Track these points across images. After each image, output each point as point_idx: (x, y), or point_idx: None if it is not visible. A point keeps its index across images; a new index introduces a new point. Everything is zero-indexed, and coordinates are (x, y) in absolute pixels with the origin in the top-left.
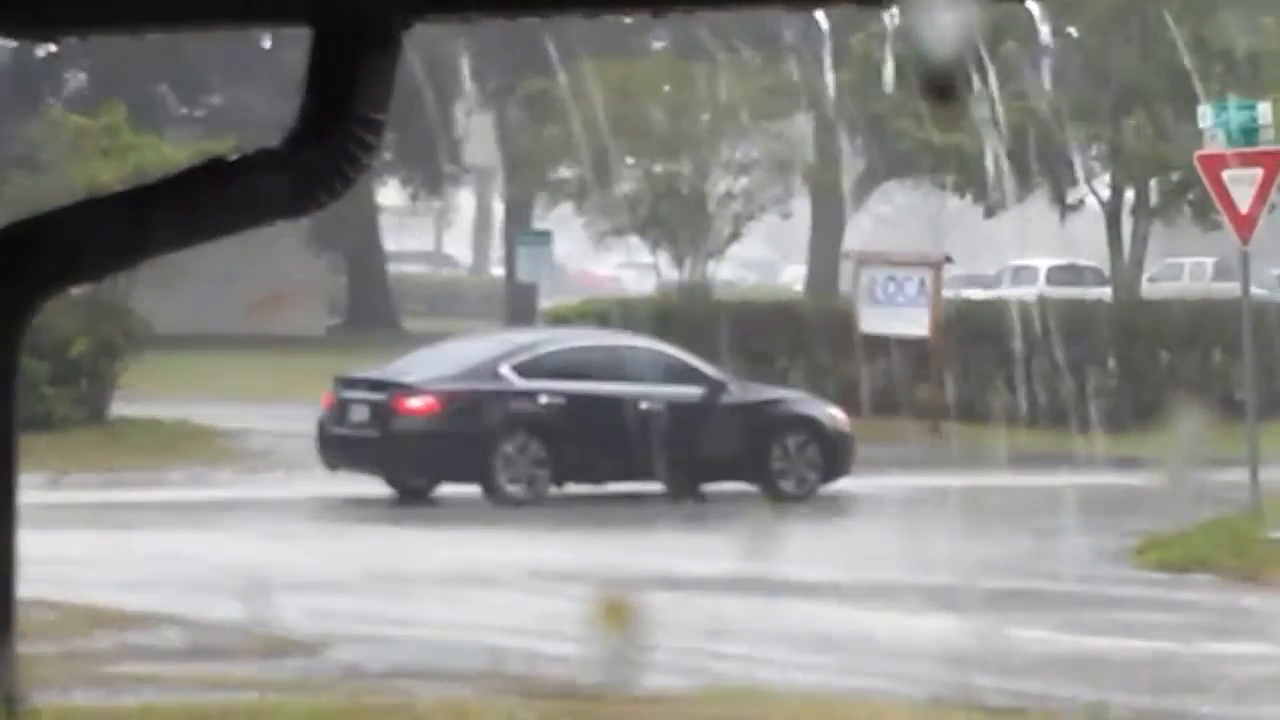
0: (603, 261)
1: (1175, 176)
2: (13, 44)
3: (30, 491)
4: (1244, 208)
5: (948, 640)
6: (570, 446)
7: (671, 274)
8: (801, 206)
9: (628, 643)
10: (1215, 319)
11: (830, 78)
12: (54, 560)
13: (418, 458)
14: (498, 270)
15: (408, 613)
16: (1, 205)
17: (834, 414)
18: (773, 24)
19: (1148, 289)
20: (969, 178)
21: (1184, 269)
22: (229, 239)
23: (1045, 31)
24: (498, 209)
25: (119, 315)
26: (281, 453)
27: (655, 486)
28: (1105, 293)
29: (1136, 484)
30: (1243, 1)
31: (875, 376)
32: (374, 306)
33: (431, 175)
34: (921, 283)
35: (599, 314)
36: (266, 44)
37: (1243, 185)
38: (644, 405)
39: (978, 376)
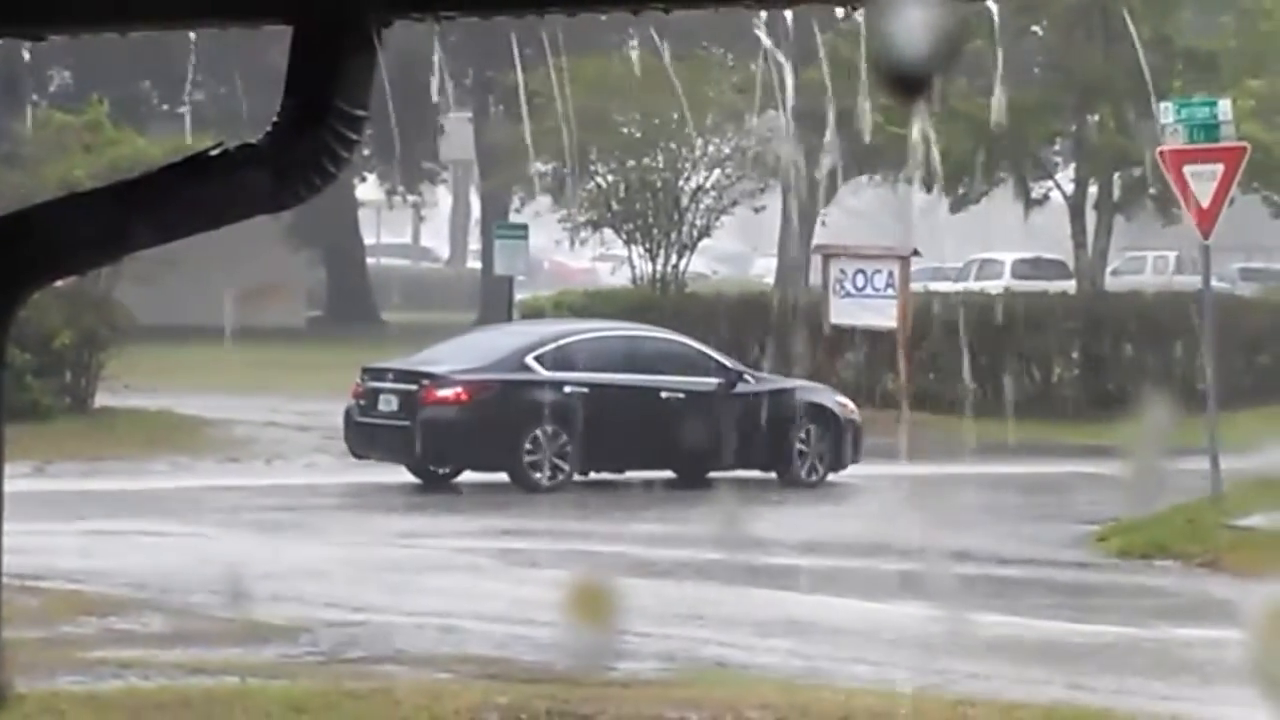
0: (577, 255)
1: (1137, 172)
2: None
3: (15, 481)
4: (1205, 202)
5: (912, 625)
6: (594, 435)
7: (645, 267)
8: (772, 201)
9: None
10: (1177, 311)
11: (800, 74)
12: (38, 548)
13: (447, 446)
14: (474, 263)
15: (385, 599)
16: None
17: (844, 403)
18: (744, 22)
19: (1111, 282)
20: (936, 172)
21: (1147, 262)
22: (210, 233)
23: (1010, 29)
24: (475, 203)
25: (102, 308)
26: (263, 442)
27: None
28: (1069, 285)
29: (1099, 472)
30: (1203, 0)
31: (844, 367)
32: (353, 299)
33: (409, 170)
34: (889, 275)
35: (573, 306)
36: (247, 41)
37: (1203, 180)
38: (664, 395)
39: (944, 367)
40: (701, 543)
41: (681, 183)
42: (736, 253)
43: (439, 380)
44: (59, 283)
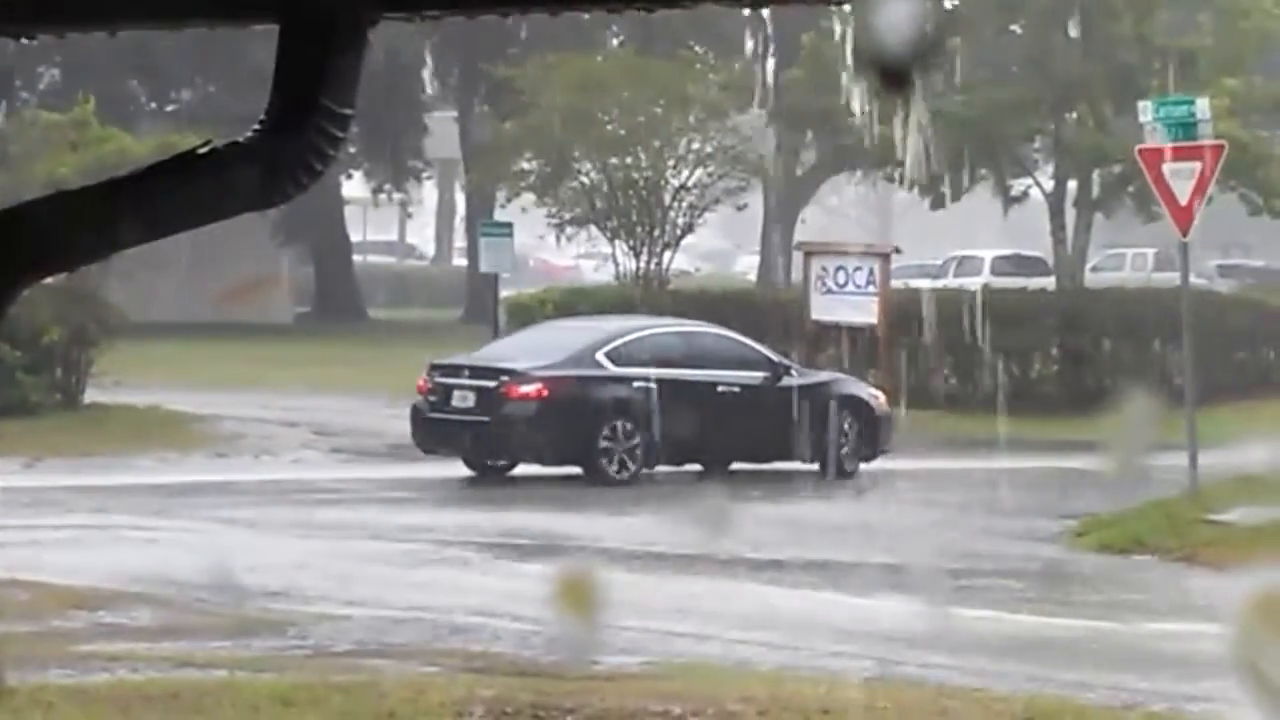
0: (562, 252)
1: (1116, 169)
2: None
3: (5, 476)
4: (1183, 200)
5: (892, 619)
6: (661, 429)
7: (628, 264)
8: (755, 198)
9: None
10: (1156, 308)
11: (782, 74)
12: (28, 543)
13: (527, 441)
14: (460, 261)
15: (370, 593)
16: None
17: (876, 395)
18: (727, 21)
19: (1090, 279)
20: (916, 170)
21: (1126, 259)
22: (199, 230)
23: (989, 27)
24: (460, 201)
25: (92, 304)
26: (251, 437)
27: (745, 466)
28: (1049, 282)
29: (1078, 467)
30: None
31: (825, 363)
32: (340, 296)
33: (395, 168)
34: (870, 272)
35: (558, 303)
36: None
37: (1182, 178)
38: (720, 389)
39: (924, 363)
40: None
41: (665, 180)
42: (719, 250)
43: (520, 376)
44: (49, 279)
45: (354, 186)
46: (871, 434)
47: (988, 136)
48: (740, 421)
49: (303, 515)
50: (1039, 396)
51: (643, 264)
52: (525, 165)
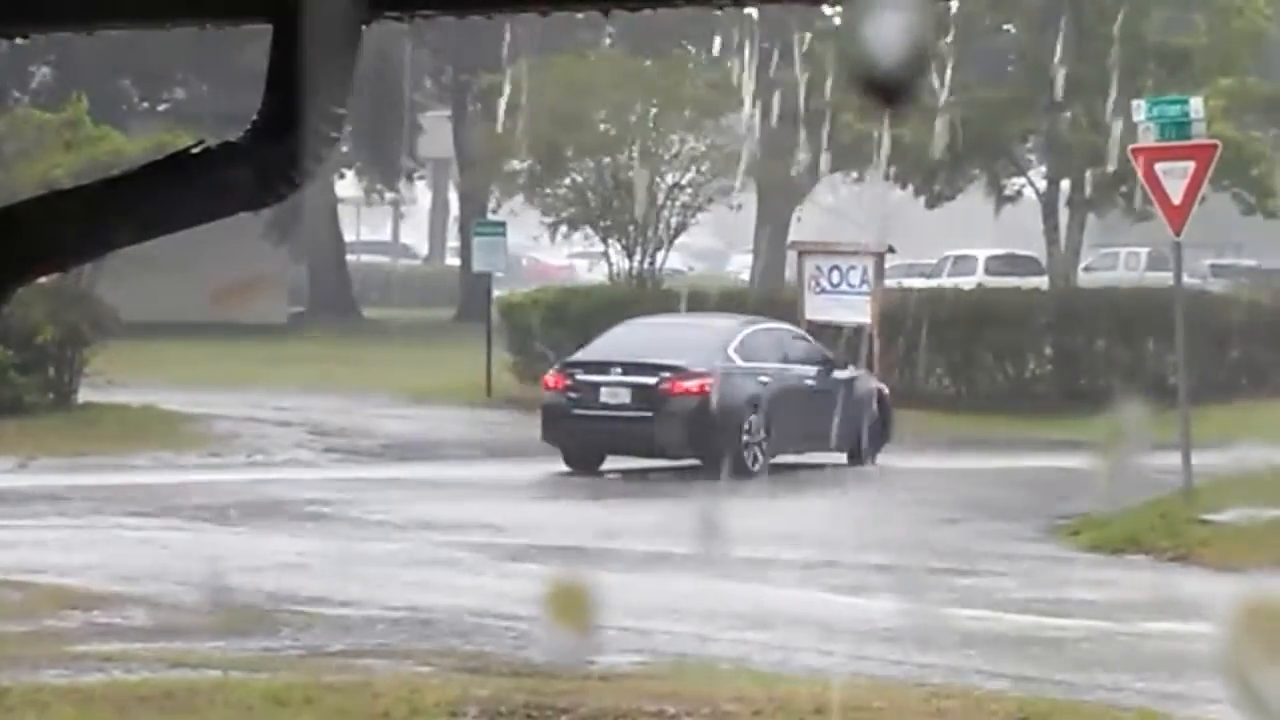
0: (555, 252)
1: (1110, 169)
2: None
3: None
4: (1176, 200)
5: (886, 618)
6: (780, 421)
7: (622, 263)
8: (749, 198)
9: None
10: (1149, 307)
11: (776, 73)
12: (22, 542)
13: (688, 436)
14: (453, 260)
15: (364, 592)
16: None
17: (884, 389)
18: (720, 21)
19: (1083, 278)
20: (910, 170)
21: (1119, 259)
22: (192, 230)
23: (983, 27)
24: (453, 200)
25: (86, 304)
26: (245, 437)
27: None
28: (1042, 282)
29: (1071, 466)
30: None
31: None
32: (334, 295)
33: (388, 167)
34: (864, 272)
35: (551, 303)
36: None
37: (1175, 178)
38: (808, 382)
39: (918, 363)
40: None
41: (658, 180)
42: (713, 249)
43: (681, 372)
44: (42, 279)
45: (347, 186)
46: (885, 425)
47: (981, 136)
48: (826, 413)
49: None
50: (1032, 396)
51: (636, 264)
52: (518, 165)
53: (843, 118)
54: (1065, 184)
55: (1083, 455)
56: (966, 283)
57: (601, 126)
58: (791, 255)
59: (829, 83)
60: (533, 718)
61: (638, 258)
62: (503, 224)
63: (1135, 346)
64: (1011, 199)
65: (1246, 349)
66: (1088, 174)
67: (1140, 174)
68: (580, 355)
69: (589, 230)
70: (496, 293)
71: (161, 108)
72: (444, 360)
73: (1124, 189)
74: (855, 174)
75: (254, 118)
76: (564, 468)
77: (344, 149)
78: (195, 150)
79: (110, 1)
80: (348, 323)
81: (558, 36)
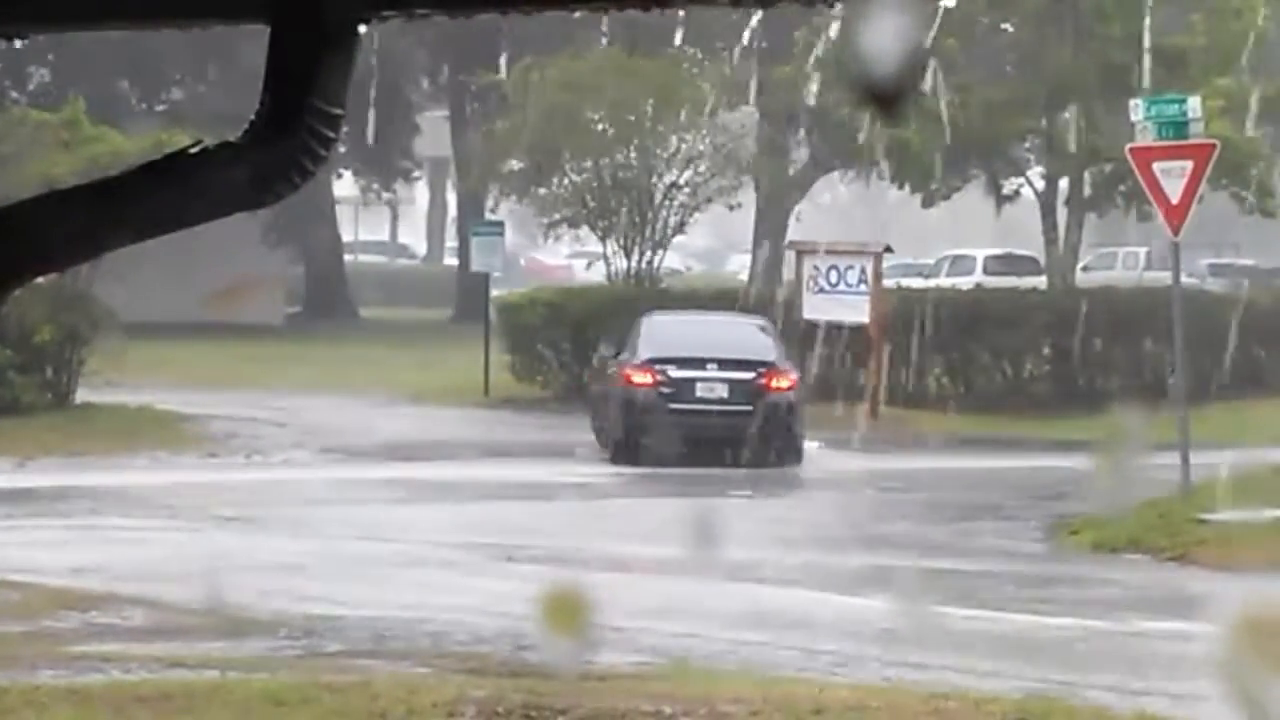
0: (553, 251)
1: (1108, 168)
2: None
3: None
4: (1174, 199)
5: (884, 619)
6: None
7: (620, 263)
8: (746, 197)
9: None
10: (1147, 307)
11: (774, 73)
12: (20, 542)
13: (783, 429)
14: (451, 260)
15: (361, 593)
16: None
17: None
18: (718, 20)
19: (1082, 278)
20: (908, 169)
21: (1117, 258)
22: (190, 230)
23: (981, 27)
24: (451, 200)
25: (84, 304)
26: (243, 437)
27: None
28: (1040, 281)
29: (1070, 467)
30: None
31: (817, 362)
32: (332, 295)
33: (386, 168)
34: (862, 271)
35: (549, 302)
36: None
37: (1173, 177)
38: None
39: (917, 363)
40: None
41: (655, 180)
42: (711, 249)
43: (776, 368)
44: (40, 279)
45: (345, 186)
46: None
47: (980, 135)
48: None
49: (293, 512)
50: (1031, 395)
51: (634, 263)
52: (516, 165)
53: (841, 117)
54: (1064, 183)
55: (1081, 455)
56: (965, 282)
57: (599, 126)
58: (789, 255)
59: (829, 83)
60: (530, 718)
61: (636, 257)
62: (500, 224)
63: (1134, 346)
64: (1010, 199)
65: (1245, 349)
66: (1086, 174)
67: (1138, 174)
68: (653, 352)
69: (587, 230)
70: (494, 292)
71: (159, 108)
72: (442, 360)
73: (1122, 189)
74: (853, 174)
75: (251, 118)
76: (563, 467)
77: (342, 149)
78: (193, 151)
79: (110, 1)
80: (345, 323)
81: (555, 36)
